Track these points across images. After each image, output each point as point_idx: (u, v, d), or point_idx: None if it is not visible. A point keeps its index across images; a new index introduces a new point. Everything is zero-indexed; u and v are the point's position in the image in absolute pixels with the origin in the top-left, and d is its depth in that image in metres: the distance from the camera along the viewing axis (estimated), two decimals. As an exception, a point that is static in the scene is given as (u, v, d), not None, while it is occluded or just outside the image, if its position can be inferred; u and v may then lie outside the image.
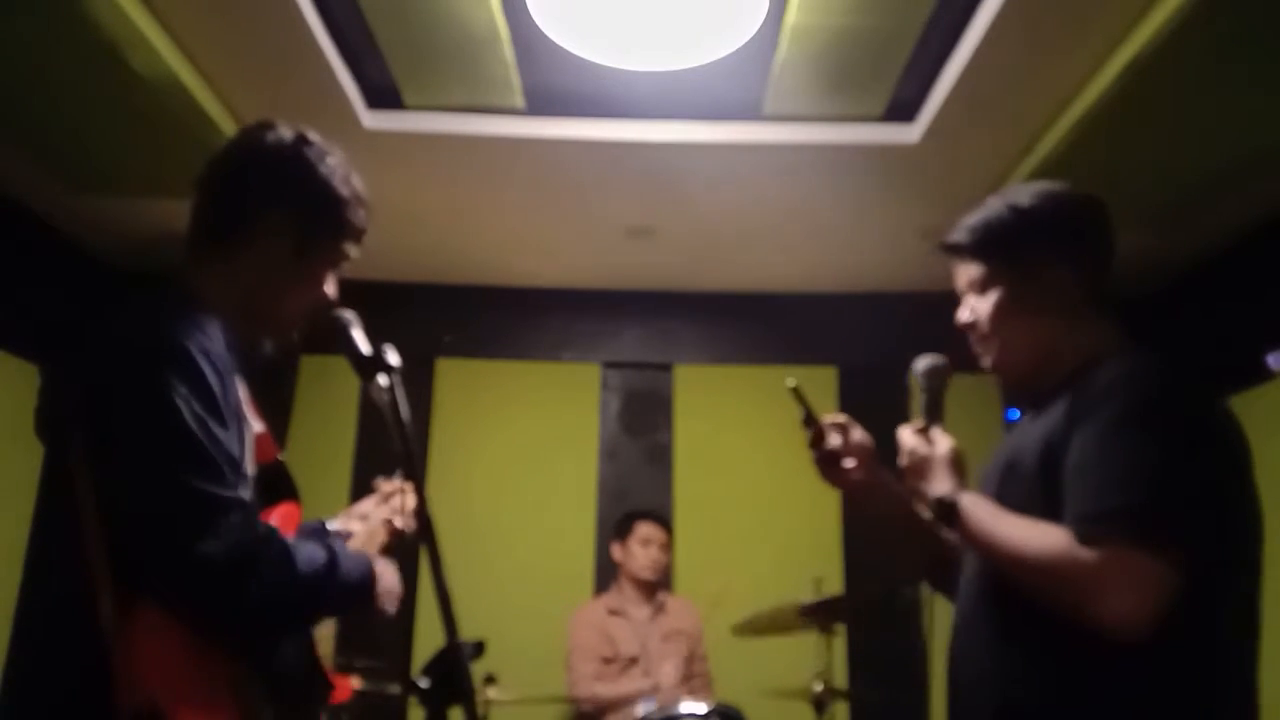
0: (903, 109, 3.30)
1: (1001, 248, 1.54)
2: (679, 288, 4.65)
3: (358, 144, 3.38)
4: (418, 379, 4.48)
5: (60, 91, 2.93)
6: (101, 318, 1.37)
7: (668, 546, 3.90)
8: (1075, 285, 1.51)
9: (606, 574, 4.20)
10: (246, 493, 1.34)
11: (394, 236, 4.19)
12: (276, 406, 4.35)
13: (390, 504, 1.77)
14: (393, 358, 1.40)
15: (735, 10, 2.78)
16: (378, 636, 4.09)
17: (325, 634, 1.57)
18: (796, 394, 1.72)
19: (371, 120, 3.31)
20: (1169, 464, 1.30)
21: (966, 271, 1.58)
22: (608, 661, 3.67)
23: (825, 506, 4.43)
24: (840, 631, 3.41)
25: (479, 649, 1.46)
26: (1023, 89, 3.00)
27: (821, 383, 4.60)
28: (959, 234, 1.58)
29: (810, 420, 1.73)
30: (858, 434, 1.73)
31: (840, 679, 3.83)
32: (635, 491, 4.43)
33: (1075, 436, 1.36)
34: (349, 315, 1.48)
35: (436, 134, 3.36)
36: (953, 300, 1.62)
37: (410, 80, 3.19)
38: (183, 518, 1.23)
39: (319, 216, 1.50)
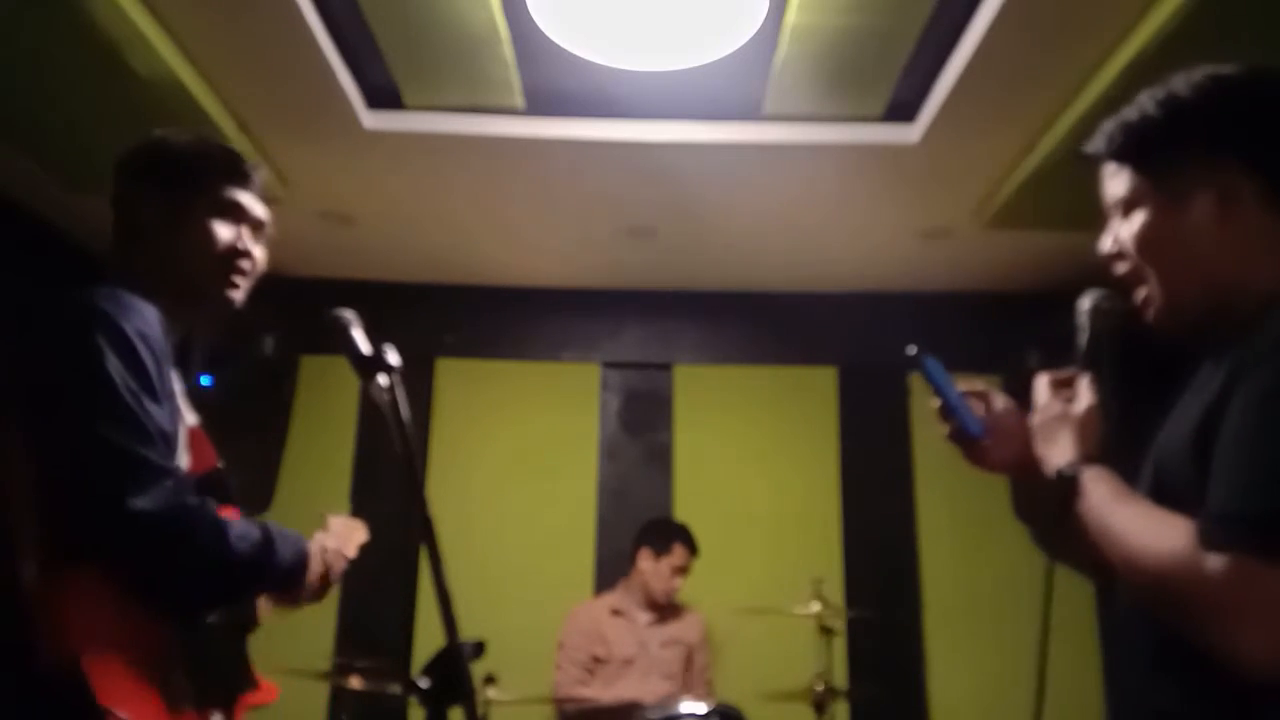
0: (903, 109, 3.30)
1: (1148, 150, 1.21)
2: (679, 288, 4.65)
3: (358, 144, 3.39)
4: (418, 379, 4.48)
5: (60, 91, 2.93)
6: (41, 303, 1.45)
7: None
8: (1255, 191, 1.15)
9: (607, 574, 4.20)
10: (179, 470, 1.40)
11: (394, 236, 4.19)
12: (276, 406, 4.35)
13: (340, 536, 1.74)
14: (393, 358, 1.41)
15: (735, 10, 2.78)
16: (378, 636, 4.11)
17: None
18: (919, 363, 1.38)
19: (371, 120, 3.31)
20: None
21: (1109, 187, 1.26)
22: (599, 662, 3.66)
23: (825, 506, 4.43)
24: (840, 631, 3.41)
25: (479, 649, 1.46)
26: (1023, 89, 3.00)
27: (821, 383, 4.60)
28: (1097, 139, 1.27)
29: (938, 395, 1.38)
30: (1000, 403, 1.38)
31: (840, 679, 3.84)
32: (635, 491, 4.43)
33: (1234, 401, 1.04)
34: (349, 315, 1.48)
35: (436, 134, 3.36)
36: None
37: (410, 80, 3.19)
38: (117, 477, 1.30)
39: (167, 181, 1.60)
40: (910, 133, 3.34)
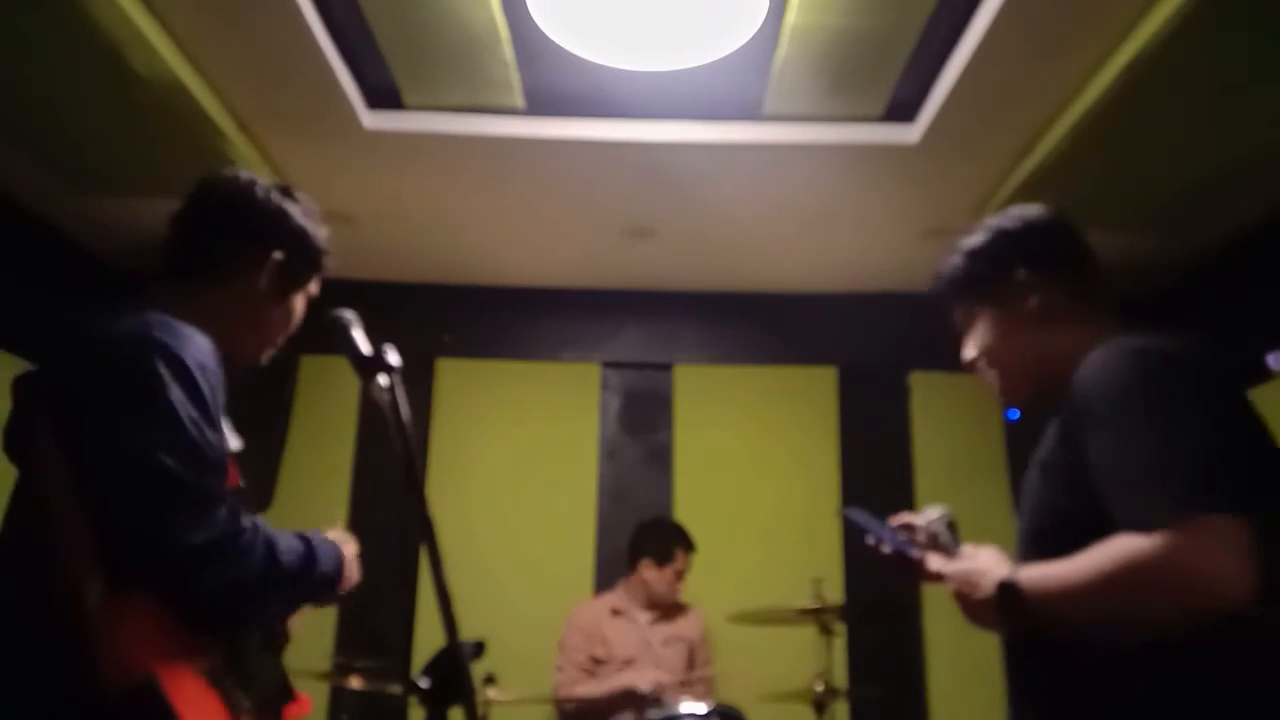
0: (903, 109, 3.30)
1: (964, 287, 1.66)
2: (679, 288, 4.65)
3: (358, 144, 3.38)
4: (418, 379, 4.48)
5: (60, 91, 2.93)
6: (88, 328, 1.46)
7: None
8: (1052, 293, 1.55)
9: (606, 574, 4.20)
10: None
11: (394, 236, 4.19)
12: (276, 406, 4.34)
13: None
14: (393, 358, 1.41)
15: (735, 10, 2.78)
16: (378, 636, 4.11)
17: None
18: (846, 520, 1.70)
19: (371, 120, 3.31)
20: (1185, 433, 1.25)
21: (957, 317, 1.71)
22: (599, 662, 3.66)
23: (825, 507, 4.43)
24: (840, 631, 3.41)
25: (479, 649, 1.46)
26: (1023, 89, 3.00)
27: (821, 383, 4.60)
28: (935, 286, 1.72)
29: (869, 535, 1.82)
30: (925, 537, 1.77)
31: (840, 679, 3.84)
32: (635, 491, 4.43)
33: (1088, 442, 1.33)
34: (349, 315, 1.48)
35: (436, 134, 3.36)
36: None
37: (410, 80, 3.19)
38: (178, 506, 1.32)
39: (300, 259, 1.68)
40: (910, 133, 3.34)
